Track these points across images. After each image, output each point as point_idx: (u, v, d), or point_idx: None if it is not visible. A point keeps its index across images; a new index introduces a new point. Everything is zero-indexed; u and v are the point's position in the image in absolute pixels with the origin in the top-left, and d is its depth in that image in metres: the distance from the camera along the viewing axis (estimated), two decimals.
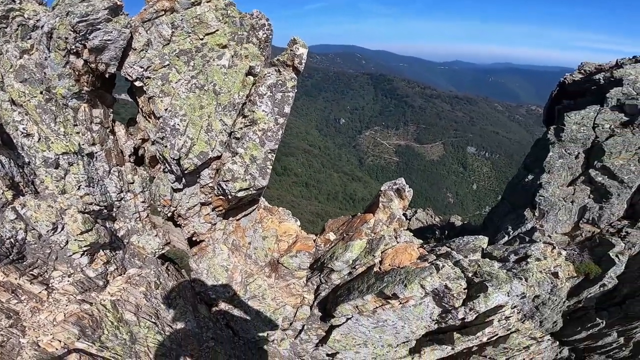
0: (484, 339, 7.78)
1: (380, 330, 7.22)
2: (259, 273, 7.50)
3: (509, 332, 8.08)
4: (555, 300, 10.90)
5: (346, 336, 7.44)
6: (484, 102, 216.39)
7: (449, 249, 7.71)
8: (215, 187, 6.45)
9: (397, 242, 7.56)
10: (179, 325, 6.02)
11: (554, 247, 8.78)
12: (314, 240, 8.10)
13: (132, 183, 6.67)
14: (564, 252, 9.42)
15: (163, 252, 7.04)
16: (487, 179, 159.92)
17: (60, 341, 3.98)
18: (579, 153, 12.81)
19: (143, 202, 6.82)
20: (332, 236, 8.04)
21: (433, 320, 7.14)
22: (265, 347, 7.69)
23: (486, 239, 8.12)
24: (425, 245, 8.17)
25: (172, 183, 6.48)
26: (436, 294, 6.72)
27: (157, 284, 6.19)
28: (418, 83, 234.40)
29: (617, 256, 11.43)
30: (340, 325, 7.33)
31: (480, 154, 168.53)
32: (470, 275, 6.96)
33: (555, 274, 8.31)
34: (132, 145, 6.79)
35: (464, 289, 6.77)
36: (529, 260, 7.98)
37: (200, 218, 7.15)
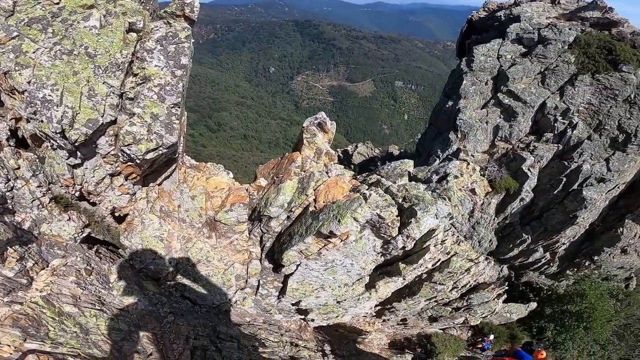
0: (429, 266, 8.02)
1: (332, 271, 7.08)
2: (198, 236, 6.92)
3: (449, 256, 8.39)
4: (487, 218, 11.66)
5: (302, 283, 7.23)
6: (406, 41, 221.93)
7: (379, 177, 7.55)
8: (120, 154, 5.55)
9: (329, 177, 7.20)
10: (131, 307, 5.36)
11: (469, 163, 9.08)
12: (247, 190, 7.52)
13: (18, 169, 5.57)
14: (477, 168, 9.79)
15: (85, 235, 6.12)
16: (415, 108, 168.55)
17: (9, 345, 3.45)
18: (487, 80, 13.84)
19: (39, 186, 5.80)
20: (263, 182, 7.50)
21: (378, 253, 7.10)
22: (230, 309, 7.32)
23: (411, 162, 8.09)
24: (358, 177, 7.93)
25: (66, 159, 5.54)
26: (373, 226, 6.59)
27: (88, 270, 5.40)
28: (343, 26, 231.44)
29: (529, 169, 12.36)
30: (292, 273, 7.07)
31: (407, 87, 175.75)
32: (400, 200, 6.86)
33: (473, 191, 8.63)
34: (6, 127, 5.54)
35: (397, 216, 6.66)
36: (448, 178, 8.15)
37: (115, 191, 6.30)
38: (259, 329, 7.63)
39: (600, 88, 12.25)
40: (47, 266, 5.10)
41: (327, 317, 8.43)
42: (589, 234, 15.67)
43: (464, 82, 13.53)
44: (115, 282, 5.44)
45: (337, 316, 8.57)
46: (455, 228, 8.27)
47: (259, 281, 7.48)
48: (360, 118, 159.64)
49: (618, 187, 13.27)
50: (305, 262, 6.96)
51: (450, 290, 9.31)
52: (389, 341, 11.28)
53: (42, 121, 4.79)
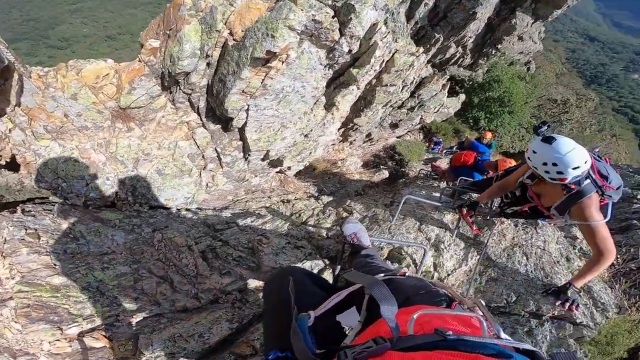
0: (377, 67, 6.93)
1: (286, 102, 5.81)
2: (115, 134, 5.14)
3: (391, 54, 7.27)
4: (400, 25, 10.22)
5: (261, 130, 6.03)
6: None
7: None
8: None
9: (234, 5, 5.23)
10: (112, 246, 4.47)
11: None
12: (140, 61, 5.18)
13: None
14: None
15: None
16: None
17: (58, 340, 2.70)
18: None
19: None
20: (155, 42, 5.20)
21: (325, 66, 5.81)
22: (208, 197, 6.02)
23: None
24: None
25: None
26: (311, 35, 5.13)
27: (32, 234, 3.93)
28: None
29: None
30: (246, 123, 5.76)
31: None
32: (330, 3, 5.30)
33: None
34: None
35: (332, 17, 5.19)
36: None
37: None
38: (246, 202, 6.59)
39: None
40: None
41: (301, 158, 7.49)
42: (489, 26, 15.39)
43: None
44: (73, 229, 3.87)
45: (310, 153, 7.67)
46: (394, 22, 6.89)
47: (216, 150, 5.99)
48: None
49: None
50: (253, 103, 5.56)
51: (402, 91, 8.52)
52: (362, 163, 11.04)
53: None
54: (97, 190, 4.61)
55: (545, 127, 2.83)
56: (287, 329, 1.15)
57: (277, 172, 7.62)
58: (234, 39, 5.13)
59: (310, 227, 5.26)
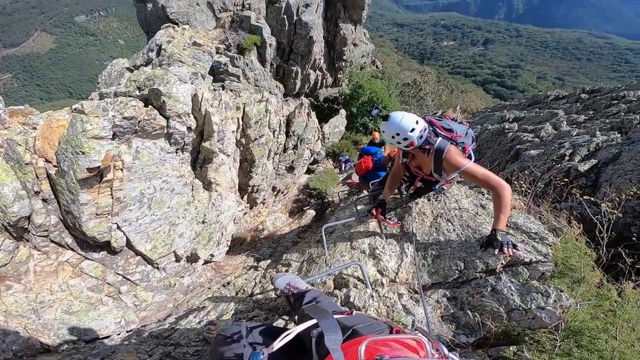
0: (234, 128, 6.43)
1: (158, 204, 4.87)
2: None
3: (241, 109, 6.99)
4: (259, 72, 10.42)
5: (151, 238, 4.93)
6: None
7: (99, 91, 5.10)
8: None
9: (37, 128, 4.44)
10: None
11: (176, 27, 7.24)
12: None
13: None
14: (187, 27, 8.03)
15: None
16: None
17: None
18: None
19: None
20: None
21: (175, 152, 5.13)
22: (143, 313, 5.02)
23: (122, 59, 5.86)
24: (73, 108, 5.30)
25: None
26: (134, 131, 4.45)
27: None
28: None
29: (257, 22, 11.37)
30: (128, 240, 4.66)
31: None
32: (137, 93, 4.80)
33: (196, 44, 6.92)
34: None
35: (145, 106, 4.64)
36: (163, 47, 6.26)
37: None
38: (188, 302, 5.47)
39: None
40: None
41: (214, 243, 6.51)
42: (328, 44, 16.98)
43: None
44: None
45: (221, 234, 6.72)
46: (234, 79, 6.68)
47: (118, 274, 4.94)
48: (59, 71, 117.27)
49: (320, 5, 14.01)
50: (119, 219, 4.58)
51: (275, 137, 8.26)
52: (287, 214, 10.34)
53: None
54: (17, 344, 3.72)
55: (377, 110, 2.94)
56: None
57: (203, 264, 6.49)
58: (53, 166, 4.14)
59: (258, 296, 4.80)
